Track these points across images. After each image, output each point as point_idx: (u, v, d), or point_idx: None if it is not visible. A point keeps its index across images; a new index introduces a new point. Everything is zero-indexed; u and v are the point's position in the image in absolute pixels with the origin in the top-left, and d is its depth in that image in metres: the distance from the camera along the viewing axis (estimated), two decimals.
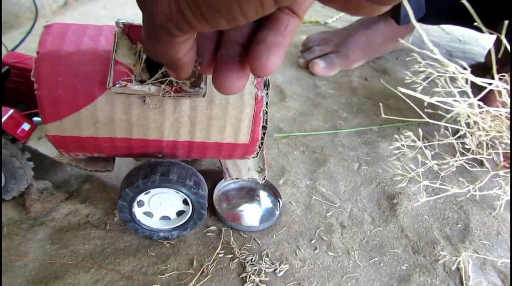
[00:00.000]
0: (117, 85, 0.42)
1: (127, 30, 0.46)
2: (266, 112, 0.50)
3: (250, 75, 0.50)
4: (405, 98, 0.60)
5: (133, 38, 0.46)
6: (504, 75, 0.62)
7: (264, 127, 0.51)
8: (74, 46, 0.46)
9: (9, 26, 0.99)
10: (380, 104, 0.91)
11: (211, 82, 0.48)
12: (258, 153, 0.55)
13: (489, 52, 1.19)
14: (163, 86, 0.43)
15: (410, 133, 0.70)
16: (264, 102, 0.50)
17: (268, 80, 0.50)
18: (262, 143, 0.53)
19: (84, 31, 0.48)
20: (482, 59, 1.22)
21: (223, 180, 0.61)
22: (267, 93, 0.50)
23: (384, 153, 0.77)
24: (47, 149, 0.55)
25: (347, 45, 1.09)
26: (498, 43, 1.03)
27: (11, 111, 0.49)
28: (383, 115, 0.72)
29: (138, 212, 0.52)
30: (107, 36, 0.48)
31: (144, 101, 0.46)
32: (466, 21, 1.11)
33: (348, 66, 1.09)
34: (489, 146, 0.64)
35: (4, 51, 0.75)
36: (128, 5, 1.31)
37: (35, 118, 0.57)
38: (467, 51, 1.27)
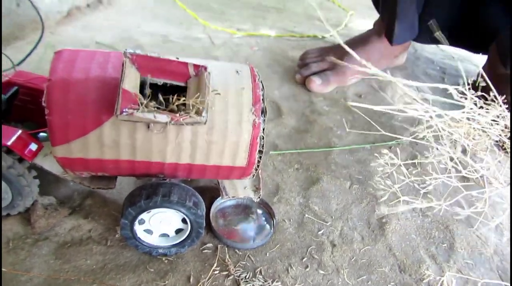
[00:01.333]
0: (124, 113, 0.45)
1: (134, 59, 0.49)
2: (263, 138, 0.53)
3: (248, 103, 0.53)
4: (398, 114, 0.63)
5: (139, 67, 0.49)
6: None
7: (260, 152, 0.54)
8: (83, 73, 0.48)
9: (14, 37, 1.02)
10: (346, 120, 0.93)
11: (210, 109, 0.51)
12: (255, 174, 0.58)
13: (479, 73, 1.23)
14: (166, 115, 0.46)
15: (387, 151, 0.73)
16: (261, 129, 0.53)
17: (266, 107, 0.53)
18: (258, 166, 0.56)
19: (93, 58, 0.51)
20: (474, 77, 1.26)
21: (220, 197, 0.64)
22: (264, 120, 0.53)
23: (375, 172, 0.80)
24: (52, 165, 0.57)
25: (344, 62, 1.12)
26: (489, 62, 1.07)
27: (19, 132, 0.51)
28: (347, 130, 0.74)
29: (139, 229, 0.55)
30: (114, 63, 0.51)
31: (149, 127, 0.49)
32: (459, 42, 1.16)
33: (344, 83, 1.12)
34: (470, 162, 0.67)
35: (7, 64, 0.77)
36: (130, 15, 1.34)
37: (41, 134, 0.60)
38: (460, 69, 1.31)
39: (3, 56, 0.77)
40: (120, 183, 0.68)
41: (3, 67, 0.64)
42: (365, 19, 1.56)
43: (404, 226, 0.69)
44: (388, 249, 0.64)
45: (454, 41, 1.17)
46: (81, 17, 1.27)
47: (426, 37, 1.12)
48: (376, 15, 1.22)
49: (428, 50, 1.40)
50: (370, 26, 1.21)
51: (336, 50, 1.17)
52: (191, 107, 0.48)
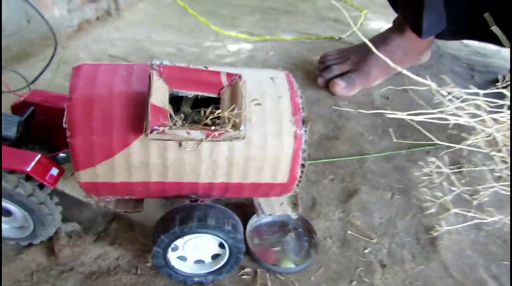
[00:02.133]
0: (155, 132, 0.40)
1: (161, 71, 0.44)
2: (305, 150, 0.48)
3: (287, 113, 0.47)
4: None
5: (167, 79, 0.44)
6: None
7: (302, 166, 0.49)
8: (106, 89, 0.44)
9: (26, 55, 0.98)
10: (390, 129, 0.86)
11: (248, 122, 0.46)
12: (295, 191, 0.53)
13: None
14: (201, 131, 0.41)
15: (435, 159, 0.67)
16: (303, 140, 0.48)
17: (306, 116, 0.48)
18: (299, 181, 0.51)
19: (115, 71, 0.46)
20: (505, 72, 1.19)
21: (255, 215, 0.58)
22: (306, 131, 0.48)
23: (416, 180, 0.74)
24: (73, 189, 0.53)
25: (367, 63, 1.07)
26: None
27: (38, 156, 0.47)
28: (394, 140, 0.69)
29: (172, 256, 0.50)
30: (139, 76, 0.46)
31: (180, 144, 0.44)
32: (483, 36, 1.10)
33: (369, 85, 1.07)
34: None
35: (21, 83, 0.73)
36: (140, 26, 1.30)
37: (60, 155, 0.55)
38: (488, 65, 1.24)
39: (16, 75, 0.74)
40: (146, 203, 0.63)
41: (16, 87, 0.60)
42: (380, 17, 1.51)
43: (457, 241, 0.63)
44: (443, 268, 0.58)
45: (479, 35, 1.11)
46: (92, 30, 1.24)
47: (448, 33, 1.06)
48: (390, 13, 1.17)
49: (452, 46, 1.34)
50: (385, 25, 1.16)
51: (357, 51, 1.12)
52: (226, 121, 0.43)
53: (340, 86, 1.01)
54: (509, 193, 0.63)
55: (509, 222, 0.60)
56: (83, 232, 0.56)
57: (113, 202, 0.54)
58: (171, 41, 1.22)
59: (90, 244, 0.55)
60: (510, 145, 0.62)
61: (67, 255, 0.52)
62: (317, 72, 1.10)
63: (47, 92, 0.59)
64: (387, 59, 0.79)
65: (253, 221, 0.61)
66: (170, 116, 0.43)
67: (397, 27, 1.11)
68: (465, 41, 1.35)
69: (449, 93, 0.59)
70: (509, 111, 0.61)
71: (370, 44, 0.62)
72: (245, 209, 0.64)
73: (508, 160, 0.61)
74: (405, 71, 0.61)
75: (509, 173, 0.61)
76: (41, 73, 0.86)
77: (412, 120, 0.88)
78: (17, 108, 0.56)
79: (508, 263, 0.60)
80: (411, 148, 0.84)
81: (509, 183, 0.61)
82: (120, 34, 1.25)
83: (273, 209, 0.57)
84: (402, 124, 0.92)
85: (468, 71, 1.21)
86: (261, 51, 1.22)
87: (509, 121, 0.60)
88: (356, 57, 1.09)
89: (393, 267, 0.57)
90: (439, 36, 1.13)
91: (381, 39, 1.12)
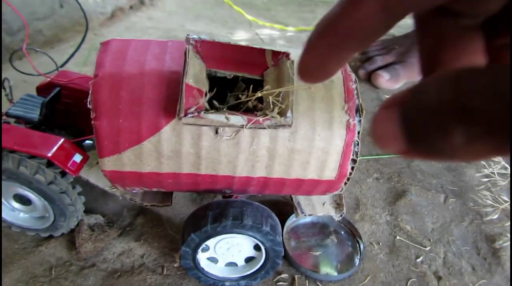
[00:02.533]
0: (189, 115, 0.34)
1: (199, 47, 0.39)
2: (358, 143, 0.42)
3: (339, 99, 0.41)
4: None
5: (204, 57, 0.39)
6: None
7: (354, 161, 0.43)
8: (136, 67, 0.39)
9: (58, 40, 0.96)
10: None
11: (294, 109, 0.40)
12: (343, 189, 0.46)
13: None
14: (242, 115, 0.36)
15: (500, 159, 0.60)
16: (356, 132, 0.41)
17: (361, 104, 0.42)
18: (349, 179, 0.44)
19: (147, 48, 0.41)
20: None
21: (293, 215, 0.53)
22: (360, 121, 0.41)
23: (472, 181, 0.66)
24: (98, 178, 0.48)
25: (413, 54, 0.99)
26: None
27: (61, 140, 0.42)
28: None
29: (202, 258, 0.45)
30: (173, 53, 0.41)
31: (217, 132, 0.38)
32: None
33: (415, 78, 0.99)
34: None
35: (51, 66, 0.70)
36: (173, 15, 1.27)
37: (87, 142, 0.51)
38: None
39: (47, 58, 0.71)
40: (175, 197, 0.58)
41: (46, 70, 0.57)
42: None
43: None
44: (509, 283, 0.51)
45: None
46: (124, 18, 1.21)
47: None
48: None
49: None
50: None
51: (403, 41, 1.04)
52: (271, 106, 0.37)
53: (383, 79, 0.94)
54: None
55: None
56: (107, 225, 0.51)
57: (140, 194, 0.50)
58: (204, 31, 1.18)
59: (114, 239, 0.51)
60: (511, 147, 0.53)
61: (88, 250, 0.47)
62: (358, 64, 1.03)
63: (75, 74, 0.55)
64: None
65: (291, 222, 0.56)
66: (207, 98, 0.38)
67: None
68: None
69: None
70: None
71: None
72: (281, 208, 0.58)
73: None
74: None
75: None
76: (70, 57, 0.82)
77: None
78: (42, 90, 0.52)
79: None
80: None
81: None
82: (153, 23, 1.21)
83: (314, 209, 0.51)
84: None
85: None
86: (297, 42, 1.16)
87: None
88: (402, 47, 1.01)
89: (450, 279, 0.50)
90: None
91: None
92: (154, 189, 0.46)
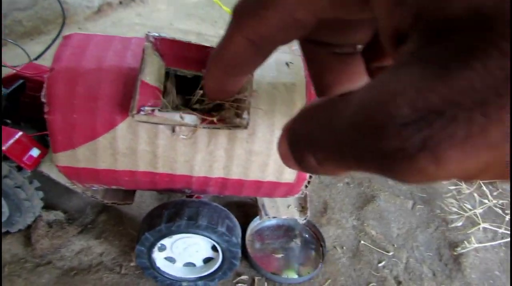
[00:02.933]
0: (141, 113, 0.34)
1: (158, 45, 0.38)
2: None
3: (301, 102, 0.41)
4: None
5: (164, 55, 0.38)
6: None
7: None
8: (95, 62, 0.38)
9: (39, 32, 0.95)
10: None
11: (254, 110, 0.40)
12: (303, 192, 0.46)
13: None
14: (198, 115, 0.36)
15: None
16: None
17: None
18: (309, 182, 0.44)
19: (109, 44, 0.41)
20: None
21: (258, 217, 0.52)
22: None
23: (441, 189, 0.67)
24: (60, 175, 0.48)
25: None
26: None
27: (19, 134, 0.42)
28: None
29: (158, 257, 0.44)
30: (135, 51, 0.41)
31: (173, 131, 0.38)
32: None
33: None
34: None
35: (24, 59, 0.69)
36: (163, 13, 1.26)
37: None
38: None
39: (20, 51, 0.70)
40: (141, 196, 0.58)
41: (19, 62, 0.56)
42: None
43: (484, 259, 0.55)
44: None
45: None
46: (112, 14, 1.20)
47: None
48: None
49: None
50: None
51: None
52: (227, 107, 0.37)
53: None
54: None
55: None
56: (67, 222, 0.51)
57: (101, 191, 0.49)
58: (192, 30, 1.18)
59: (74, 236, 0.50)
60: (510, 148, 0.54)
61: (45, 247, 0.47)
62: None
63: (43, 67, 0.54)
64: None
65: (255, 224, 0.55)
66: (164, 97, 0.38)
67: None
68: None
69: None
70: None
71: None
72: (247, 210, 0.58)
73: None
74: None
75: None
76: (45, 49, 0.81)
77: None
78: (7, 81, 0.52)
79: None
80: None
81: None
82: (141, 20, 1.21)
83: (278, 211, 0.51)
84: None
85: None
86: (285, 46, 1.17)
87: None
88: None
89: (410, 284, 0.50)
90: None
91: None
92: (114, 187, 0.45)
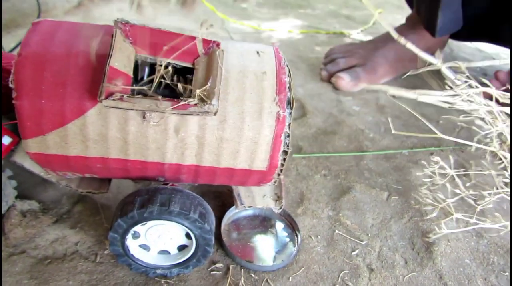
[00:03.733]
0: (110, 98, 0.35)
1: (128, 32, 0.39)
2: (288, 135, 0.43)
3: (271, 91, 0.42)
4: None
5: (134, 42, 0.39)
6: None
7: (285, 153, 0.43)
8: (64, 48, 0.39)
9: (16, 25, 0.94)
10: (389, 119, 0.84)
11: (223, 96, 0.41)
12: (276, 181, 0.47)
13: None
14: (165, 101, 0.36)
15: (439, 159, 0.61)
16: (287, 124, 0.42)
17: (293, 97, 0.42)
18: (281, 170, 0.45)
19: (79, 31, 0.41)
20: None
21: (234, 207, 0.53)
22: (291, 113, 0.42)
23: (417, 181, 0.68)
24: (34, 164, 0.48)
25: (375, 59, 1.01)
26: None
27: None
28: (393, 132, 0.63)
29: (132, 244, 0.45)
30: (105, 39, 0.41)
31: (144, 117, 0.38)
32: (499, 39, 1.03)
33: (375, 82, 1.01)
34: None
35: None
36: (146, 9, 1.25)
37: None
38: (502, 69, 1.17)
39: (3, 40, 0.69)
40: (118, 187, 0.58)
41: None
42: (394, 17, 1.45)
43: (456, 248, 0.56)
44: (438, 276, 0.52)
45: (497, 38, 1.04)
46: (93, 8, 1.19)
47: (464, 33, 0.99)
48: (406, 13, 1.11)
49: (465, 51, 1.27)
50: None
51: (366, 46, 1.06)
52: (197, 94, 0.37)
53: (344, 80, 0.95)
54: None
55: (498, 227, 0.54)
56: (42, 212, 0.51)
57: (76, 180, 0.49)
58: (175, 27, 1.18)
59: (48, 226, 0.50)
60: (511, 145, 0.56)
61: (18, 236, 0.47)
62: (321, 66, 1.04)
63: (15, 56, 0.54)
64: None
65: (231, 213, 0.56)
66: (134, 84, 0.38)
67: (410, 24, 1.05)
68: (480, 47, 1.29)
69: (465, 81, 0.54)
70: None
71: (392, 30, 0.56)
72: (224, 199, 0.58)
73: None
74: (420, 52, 0.55)
75: None
76: (19, 43, 0.81)
77: (413, 123, 0.82)
78: None
79: (508, 274, 0.54)
80: (414, 148, 0.78)
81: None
82: (122, 16, 1.20)
83: (254, 201, 0.52)
84: (406, 124, 0.86)
85: (481, 76, 1.14)
86: (267, 42, 1.17)
87: None
88: (364, 51, 1.03)
89: (382, 272, 0.51)
90: (454, 36, 1.07)
91: (392, 36, 1.06)
92: (87, 175, 0.45)
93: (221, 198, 0.58)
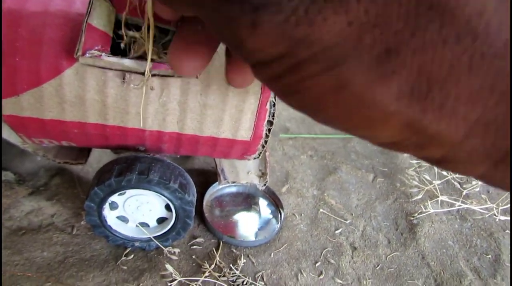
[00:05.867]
0: (87, 55, 0.33)
1: None
2: (274, 104, 0.41)
3: None
4: None
5: (115, 2, 0.37)
6: None
7: (270, 123, 0.42)
8: (41, 6, 0.37)
9: None
10: None
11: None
12: (261, 153, 0.46)
13: None
14: (148, 61, 0.35)
15: None
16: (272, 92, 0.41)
17: None
18: (266, 142, 0.44)
19: None
20: None
21: (217, 182, 0.52)
22: None
23: (403, 164, 0.68)
24: (10, 134, 0.46)
25: None
26: None
27: None
28: None
29: (109, 215, 0.43)
30: None
31: (124, 79, 0.37)
32: None
33: None
34: None
35: None
36: None
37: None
38: None
39: None
40: (99, 161, 0.56)
41: None
42: None
43: (439, 230, 0.56)
44: (420, 257, 0.52)
45: None
46: None
47: None
48: None
49: None
50: None
51: None
52: None
53: None
54: None
55: (497, 214, 0.54)
56: (18, 183, 0.49)
57: (53, 150, 0.47)
58: None
59: (24, 197, 0.48)
60: (511, 142, 0.56)
61: None
62: None
63: None
64: None
65: (214, 190, 0.55)
66: (114, 43, 0.36)
67: None
68: None
69: None
70: None
71: None
72: (208, 177, 0.57)
73: None
74: None
75: None
76: None
77: None
78: None
79: (490, 256, 0.54)
80: None
81: None
82: None
83: (237, 176, 0.51)
84: None
85: None
86: None
87: None
88: None
89: (365, 250, 0.51)
90: None
91: None
92: (64, 143, 0.44)
93: (205, 174, 0.57)
